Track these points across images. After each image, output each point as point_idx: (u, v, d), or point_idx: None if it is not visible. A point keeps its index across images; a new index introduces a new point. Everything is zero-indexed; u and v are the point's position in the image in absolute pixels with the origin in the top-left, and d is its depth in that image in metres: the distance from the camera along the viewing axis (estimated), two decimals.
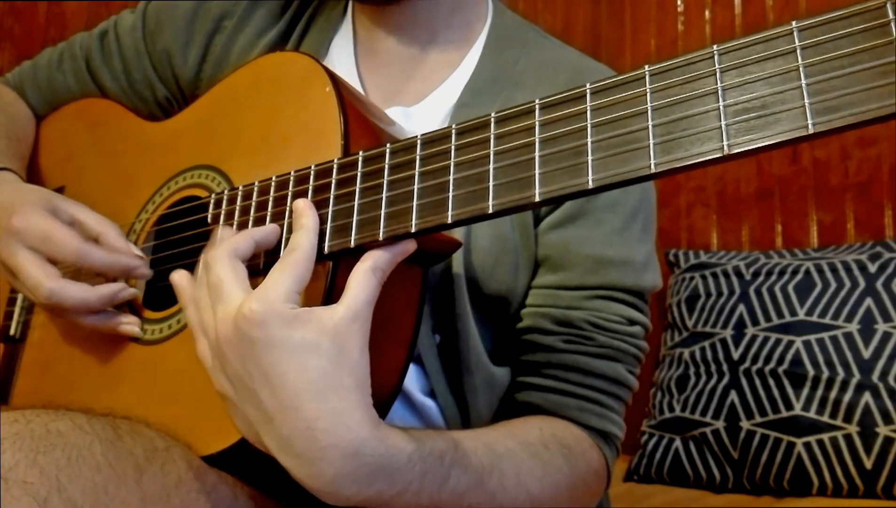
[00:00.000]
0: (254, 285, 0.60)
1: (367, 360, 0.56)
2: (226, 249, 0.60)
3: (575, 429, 0.79)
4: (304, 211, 0.61)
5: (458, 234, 0.78)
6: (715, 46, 0.47)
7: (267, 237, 0.63)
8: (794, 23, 0.44)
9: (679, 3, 2.10)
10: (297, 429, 0.53)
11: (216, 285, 0.58)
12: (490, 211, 0.53)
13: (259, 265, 0.64)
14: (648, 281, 0.85)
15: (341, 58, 0.90)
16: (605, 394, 0.81)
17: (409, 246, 0.59)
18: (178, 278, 0.65)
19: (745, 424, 1.49)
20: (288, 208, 0.65)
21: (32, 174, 0.99)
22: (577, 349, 0.81)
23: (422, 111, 0.85)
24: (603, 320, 0.81)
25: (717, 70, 0.46)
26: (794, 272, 1.60)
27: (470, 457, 0.63)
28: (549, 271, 0.83)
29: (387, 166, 0.60)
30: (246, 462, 0.66)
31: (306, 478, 0.54)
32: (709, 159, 0.45)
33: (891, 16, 0.41)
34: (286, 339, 0.54)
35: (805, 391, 1.45)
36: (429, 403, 0.81)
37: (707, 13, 2.05)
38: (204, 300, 0.59)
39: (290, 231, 0.63)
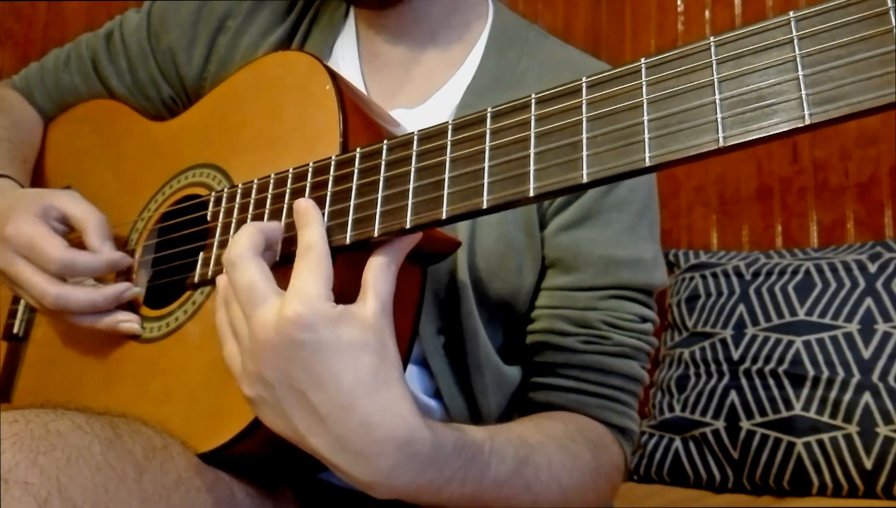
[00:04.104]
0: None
1: (399, 352, 0.57)
2: (250, 246, 0.59)
3: (597, 425, 0.80)
4: (307, 209, 0.61)
5: (461, 234, 0.78)
6: (711, 38, 0.46)
7: (273, 233, 0.63)
8: (791, 13, 0.44)
9: (679, 3, 2.10)
10: (353, 426, 0.53)
11: (248, 288, 0.57)
12: (484, 207, 0.53)
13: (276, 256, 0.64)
14: (658, 279, 0.86)
15: (346, 60, 0.91)
16: (622, 391, 0.83)
17: (415, 237, 0.60)
18: (223, 282, 0.62)
19: (745, 424, 1.49)
20: (286, 206, 0.65)
21: (39, 175, 0.99)
22: (595, 349, 0.82)
23: (424, 112, 0.85)
24: (618, 319, 0.83)
25: (714, 62, 0.46)
26: (794, 272, 1.60)
27: (507, 448, 0.63)
28: (561, 273, 0.84)
29: (383, 163, 0.60)
30: (241, 459, 0.67)
31: (362, 475, 0.54)
32: (704, 152, 0.45)
33: (890, 4, 0.40)
34: (335, 339, 0.54)
35: (805, 391, 1.45)
36: (432, 403, 0.81)
37: (707, 13, 2.05)
38: (235, 303, 0.59)
39: (288, 230, 0.63)
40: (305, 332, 0.53)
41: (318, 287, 0.55)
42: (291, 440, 0.57)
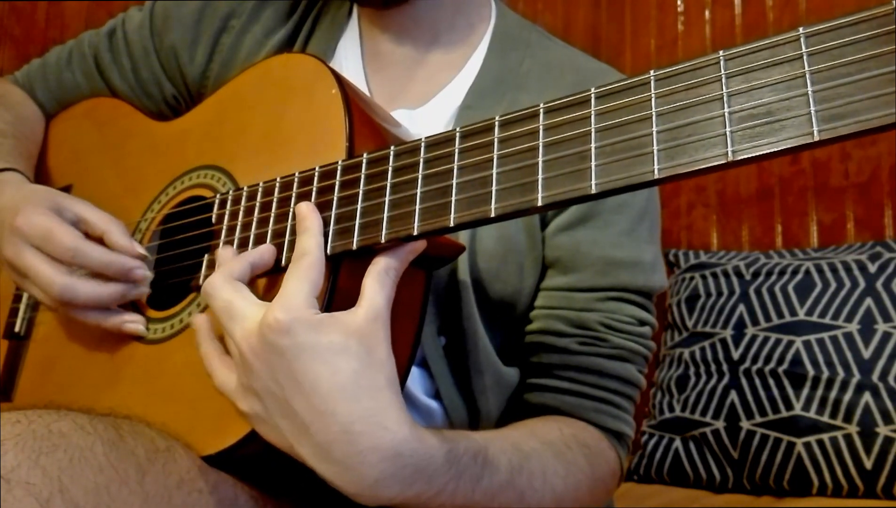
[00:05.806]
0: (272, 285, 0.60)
1: (393, 360, 0.57)
2: (222, 275, 0.61)
3: (592, 430, 0.80)
4: (307, 214, 0.62)
5: (462, 236, 0.78)
6: (721, 52, 0.47)
7: (262, 258, 0.64)
8: (800, 29, 0.44)
9: (679, 3, 2.09)
10: (334, 434, 0.53)
11: (226, 308, 0.58)
12: (492, 215, 0.53)
13: (281, 263, 0.65)
14: (657, 282, 0.86)
15: (348, 60, 0.91)
16: (618, 395, 0.82)
17: (419, 245, 0.60)
18: (199, 319, 0.66)
19: (745, 424, 1.49)
20: (291, 210, 0.65)
21: (40, 172, 0.99)
22: (591, 351, 0.81)
23: (426, 113, 0.85)
24: (615, 321, 0.82)
25: (723, 76, 0.46)
26: (794, 272, 1.60)
27: (500, 457, 0.63)
28: (559, 274, 0.83)
29: (390, 169, 0.60)
30: (245, 463, 0.67)
31: (347, 484, 0.54)
32: (713, 166, 0.45)
33: None
34: (314, 344, 0.54)
35: (805, 391, 1.45)
36: (433, 405, 0.81)
37: (707, 13, 2.05)
38: (219, 325, 0.60)
39: (293, 233, 0.63)
40: (284, 337, 0.54)
41: (301, 295, 0.56)
42: (284, 449, 0.58)
